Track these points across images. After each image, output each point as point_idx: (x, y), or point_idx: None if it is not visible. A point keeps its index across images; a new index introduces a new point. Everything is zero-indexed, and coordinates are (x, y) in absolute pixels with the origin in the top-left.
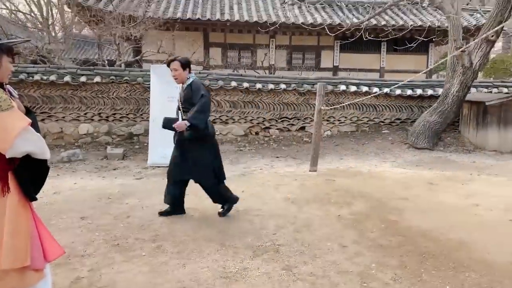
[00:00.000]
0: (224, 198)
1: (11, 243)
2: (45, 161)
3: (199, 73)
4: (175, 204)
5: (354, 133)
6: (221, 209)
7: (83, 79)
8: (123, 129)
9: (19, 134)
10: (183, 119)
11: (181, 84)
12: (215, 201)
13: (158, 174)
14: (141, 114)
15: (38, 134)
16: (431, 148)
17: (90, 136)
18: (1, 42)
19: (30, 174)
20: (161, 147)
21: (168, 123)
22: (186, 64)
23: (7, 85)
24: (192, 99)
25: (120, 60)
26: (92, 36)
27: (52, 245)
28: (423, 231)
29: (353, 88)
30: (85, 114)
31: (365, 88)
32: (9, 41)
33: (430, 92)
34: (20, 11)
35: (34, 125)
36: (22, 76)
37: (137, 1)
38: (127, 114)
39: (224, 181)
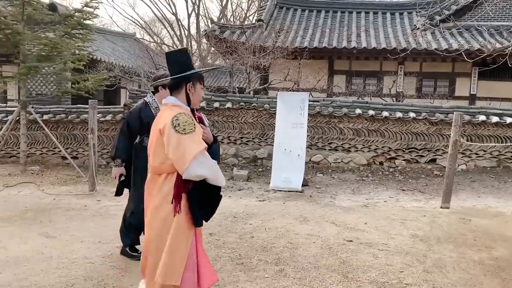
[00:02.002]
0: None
1: (167, 261)
2: (218, 188)
3: (323, 100)
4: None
5: (494, 169)
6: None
7: (216, 104)
8: (249, 152)
9: (195, 157)
10: None
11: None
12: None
13: (280, 198)
14: (266, 139)
15: (214, 161)
16: None
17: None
18: (195, 71)
19: (202, 199)
20: (284, 171)
21: None
22: None
23: (200, 113)
24: None
25: (250, 88)
26: (224, 65)
27: (209, 273)
28: None
29: (494, 119)
30: (216, 137)
31: (509, 120)
32: (201, 69)
33: None
34: (165, 44)
35: (216, 153)
36: None
37: (267, 32)
38: (253, 138)
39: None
